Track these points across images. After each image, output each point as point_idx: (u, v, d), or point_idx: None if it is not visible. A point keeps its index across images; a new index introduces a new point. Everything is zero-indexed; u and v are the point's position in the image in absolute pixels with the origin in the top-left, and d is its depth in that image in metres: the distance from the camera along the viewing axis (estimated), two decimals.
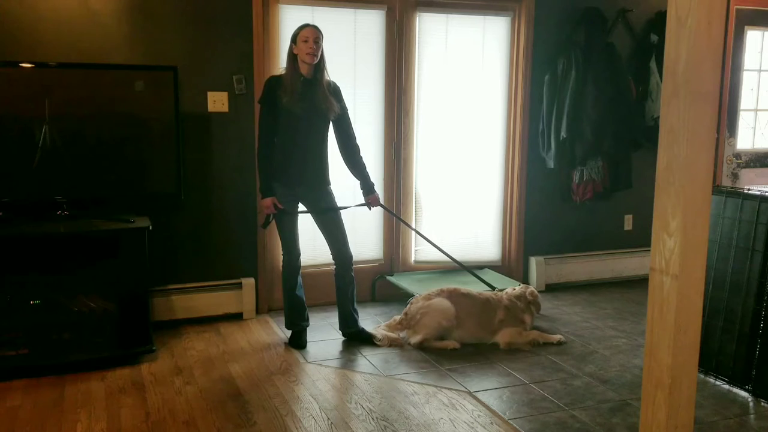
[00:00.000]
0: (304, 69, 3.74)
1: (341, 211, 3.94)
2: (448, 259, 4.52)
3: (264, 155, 3.80)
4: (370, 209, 4.14)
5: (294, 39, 3.73)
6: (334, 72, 3.91)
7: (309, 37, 3.67)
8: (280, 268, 4.32)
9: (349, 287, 4.01)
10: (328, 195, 3.92)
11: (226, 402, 3.22)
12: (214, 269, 4.38)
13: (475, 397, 3.29)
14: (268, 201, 3.80)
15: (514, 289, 4.17)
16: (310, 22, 3.78)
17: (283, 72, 3.78)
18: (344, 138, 3.95)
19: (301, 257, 3.98)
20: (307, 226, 4.03)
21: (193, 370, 3.60)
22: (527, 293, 4.10)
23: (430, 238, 4.50)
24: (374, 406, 3.20)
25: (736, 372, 3.37)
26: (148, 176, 3.98)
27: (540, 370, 3.62)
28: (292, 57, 3.74)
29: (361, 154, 4.01)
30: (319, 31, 3.72)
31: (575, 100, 4.80)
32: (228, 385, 3.41)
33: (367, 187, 4.03)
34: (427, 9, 4.71)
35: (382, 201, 4.26)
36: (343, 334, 4.08)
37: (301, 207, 3.91)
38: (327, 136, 3.89)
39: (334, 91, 3.85)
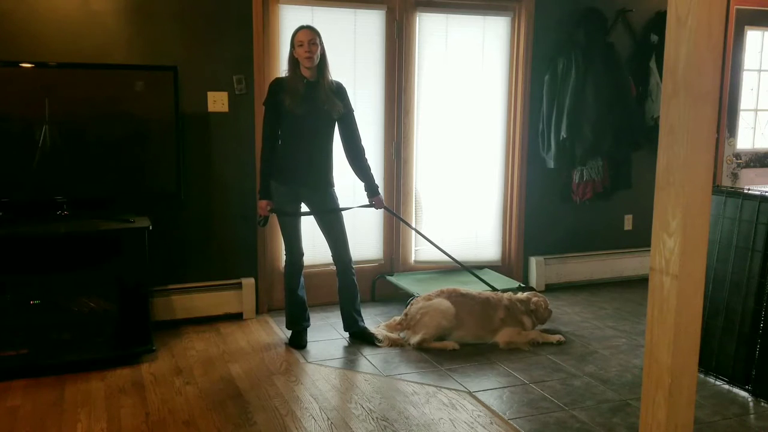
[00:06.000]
0: (305, 72, 3.74)
1: (343, 212, 3.94)
2: (448, 259, 4.52)
3: (266, 157, 3.81)
4: (376, 209, 4.14)
5: (292, 43, 3.73)
6: (334, 72, 3.90)
7: (303, 41, 3.67)
8: (280, 268, 4.33)
9: (351, 290, 4.01)
10: (331, 196, 3.92)
11: (226, 402, 3.22)
12: (214, 269, 4.38)
13: (475, 397, 3.29)
14: (263, 203, 3.82)
15: (520, 294, 4.17)
16: (305, 24, 3.78)
17: (287, 75, 3.78)
18: (349, 138, 3.94)
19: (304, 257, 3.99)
20: (307, 227, 4.03)
21: (193, 370, 3.60)
22: (531, 302, 4.09)
23: (430, 239, 4.49)
24: (374, 406, 3.20)
25: (736, 372, 3.37)
26: (148, 176, 3.98)
27: (540, 370, 3.62)
28: (293, 60, 3.74)
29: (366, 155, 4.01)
30: (315, 32, 3.71)
31: (575, 100, 4.80)
32: (228, 385, 3.41)
33: (372, 189, 4.02)
34: (427, 9, 4.71)
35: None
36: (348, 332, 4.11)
37: (304, 208, 3.92)
38: (332, 137, 3.89)
39: (338, 91, 3.85)
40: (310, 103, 3.74)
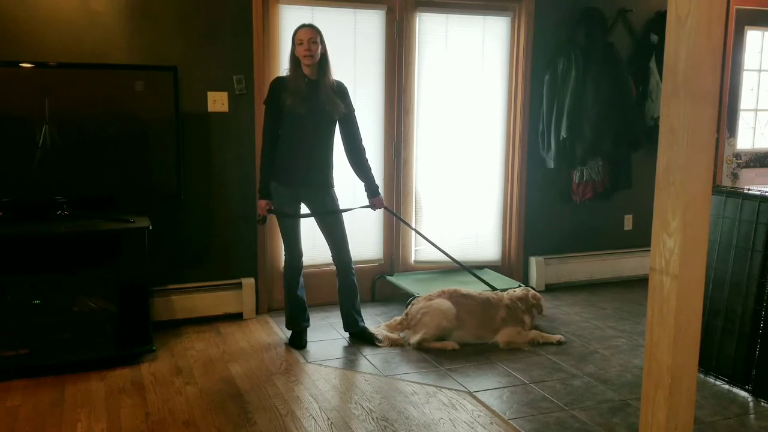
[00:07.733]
0: (306, 70, 3.74)
1: (344, 213, 3.94)
2: (448, 259, 4.52)
3: (266, 157, 3.80)
4: (375, 210, 4.14)
5: (292, 41, 3.73)
6: (333, 72, 3.89)
7: (303, 39, 3.67)
8: (280, 268, 4.32)
9: (350, 290, 4.01)
10: (331, 197, 3.92)
11: (226, 402, 3.22)
12: (214, 269, 4.38)
13: (475, 397, 3.29)
14: (263, 203, 3.82)
15: (515, 291, 4.18)
16: (307, 22, 3.78)
17: (288, 73, 3.78)
18: (350, 139, 3.94)
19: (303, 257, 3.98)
20: (306, 227, 4.03)
21: (193, 370, 3.60)
22: (530, 296, 4.10)
23: (430, 239, 4.49)
24: (374, 406, 3.20)
25: (736, 372, 3.37)
26: (148, 176, 3.98)
27: (540, 370, 3.62)
28: (295, 59, 3.74)
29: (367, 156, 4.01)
30: (315, 31, 3.71)
31: (575, 100, 4.80)
32: (228, 385, 3.41)
33: (372, 190, 4.02)
34: (427, 9, 4.71)
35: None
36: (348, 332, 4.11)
37: (304, 209, 3.91)
38: (332, 137, 3.88)
39: (339, 91, 3.84)
40: (312, 102, 3.74)
